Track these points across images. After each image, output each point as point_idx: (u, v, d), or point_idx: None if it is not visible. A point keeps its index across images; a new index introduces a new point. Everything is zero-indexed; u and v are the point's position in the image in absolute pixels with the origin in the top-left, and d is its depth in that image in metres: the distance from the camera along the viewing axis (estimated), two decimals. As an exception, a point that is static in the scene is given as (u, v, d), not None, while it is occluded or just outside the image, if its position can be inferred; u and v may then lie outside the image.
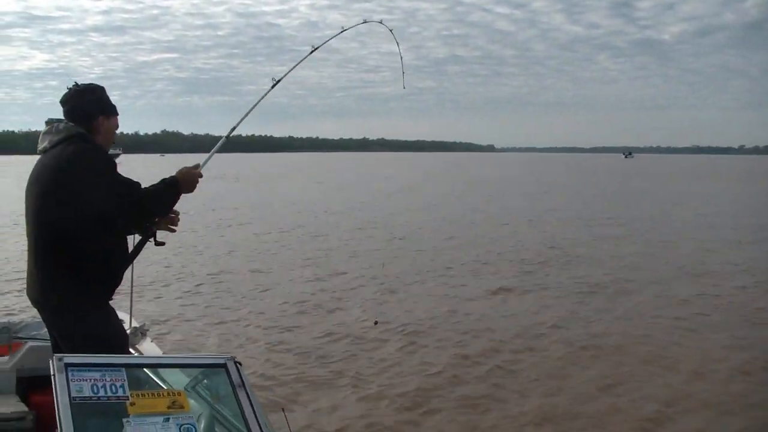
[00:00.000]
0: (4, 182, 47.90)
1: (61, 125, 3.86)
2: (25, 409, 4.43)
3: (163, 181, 3.87)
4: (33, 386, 4.79)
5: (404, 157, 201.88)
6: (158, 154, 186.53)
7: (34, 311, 4.02)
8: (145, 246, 4.04)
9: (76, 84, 4.00)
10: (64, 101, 3.94)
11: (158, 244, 4.07)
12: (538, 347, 9.47)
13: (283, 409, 2.97)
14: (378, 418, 6.94)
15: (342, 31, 5.27)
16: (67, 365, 2.27)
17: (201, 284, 13.64)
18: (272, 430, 2.63)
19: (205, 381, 2.79)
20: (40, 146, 3.89)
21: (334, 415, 6.91)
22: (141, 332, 5.04)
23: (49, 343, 4.20)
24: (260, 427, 2.43)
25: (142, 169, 75.37)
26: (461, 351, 9.21)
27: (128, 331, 4.80)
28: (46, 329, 4.12)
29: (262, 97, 4.93)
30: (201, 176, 4.05)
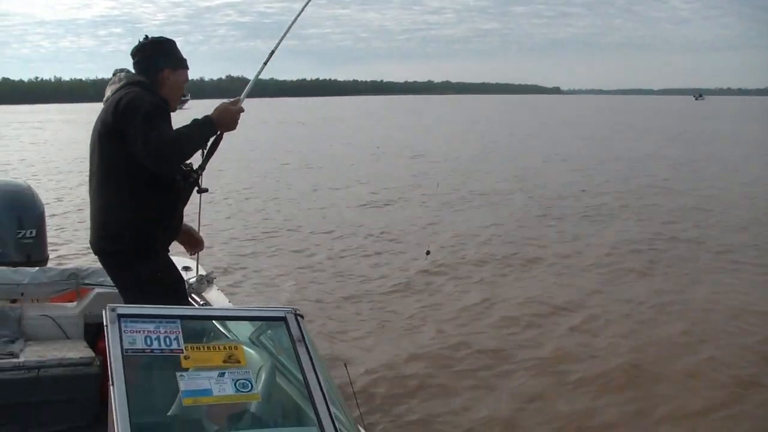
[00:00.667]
0: (75, 129, 48.53)
1: (123, 74, 3.90)
2: (92, 354, 4.44)
3: (195, 121, 3.72)
4: (100, 332, 4.78)
5: (470, 99, 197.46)
6: (225, 100, 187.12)
7: None
8: (201, 195, 3.99)
9: (146, 37, 4.00)
10: (133, 53, 3.96)
11: (201, 191, 3.97)
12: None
13: (345, 365, 2.85)
14: (447, 372, 6.72)
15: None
16: (120, 316, 2.18)
17: (270, 233, 13.26)
18: (333, 385, 2.53)
19: (269, 331, 2.70)
20: (105, 96, 3.92)
21: (398, 369, 6.70)
22: (207, 280, 4.98)
23: (116, 290, 4.20)
24: (319, 383, 2.31)
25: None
26: (545, 300, 8.87)
27: (194, 279, 4.78)
28: None
29: (300, 12, 4.79)
30: (241, 111, 3.86)
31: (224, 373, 2.24)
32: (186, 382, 2.16)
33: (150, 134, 3.50)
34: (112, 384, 2.01)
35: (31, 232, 5.57)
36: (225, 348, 2.32)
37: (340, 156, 28.51)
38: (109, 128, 3.71)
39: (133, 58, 3.95)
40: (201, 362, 2.23)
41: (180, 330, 2.25)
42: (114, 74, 3.96)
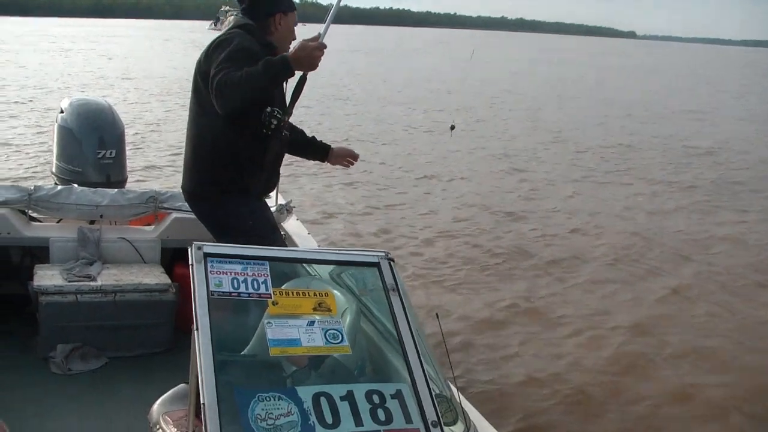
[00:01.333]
0: (151, 43, 48.63)
1: (233, 17, 3.80)
2: (168, 281, 4.43)
3: (268, 60, 3.41)
4: (177, 257, 4.79)
5: (546, 39, 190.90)
6: (300, 24, 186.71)
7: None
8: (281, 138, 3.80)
9: None
10: (239, 1, 3.86)
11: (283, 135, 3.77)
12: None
13: (437, 315, 2.74)
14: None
15: None
16: (207, 255, 2.06)
17: (361, 173, 12.46)
18: (425, 340, 2.42)
19: (354, 271, 2.58)
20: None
21: (493, 324, 6.49)
22: (287, 209, 4.92)
23: (191, 215, 4.16)
24: (413, 337, 2.18)
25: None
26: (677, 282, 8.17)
27: (274, 208, 4.70)
28: None
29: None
30: (321, 47, 3.44)
31: (314, 322, 2.13)
32: (273, 330, 2.04)
33: (218, 74, 3.38)
34: (197, 329, 1.91)
35: (111, 152, 5.53)
36: (315, 294, 2.21)
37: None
38: (200, 68, 3.65)
39: (240, 4, 3.85)
40: (290, 309, 2.11)
41: (268, 273, 2.14)
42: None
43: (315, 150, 4.42)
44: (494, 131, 17.20)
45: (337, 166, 4.63)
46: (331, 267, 2.49)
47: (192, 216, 4.14)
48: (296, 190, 10.20)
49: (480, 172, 12.93)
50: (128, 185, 5.68)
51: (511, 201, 10.83)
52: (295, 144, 4.21)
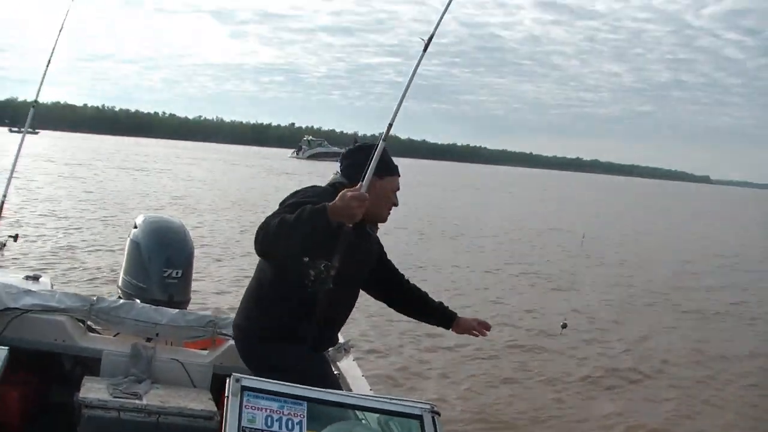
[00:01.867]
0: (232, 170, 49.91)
1: (333, 179, 3.78)
2: (215, 409, 4.31)
3: (306, 207, 3.25)
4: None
5: (618, 181, 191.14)
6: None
7: None
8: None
9: (355, 141, 3.93)
10: (341, 158, 3.86)
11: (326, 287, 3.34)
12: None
13: None
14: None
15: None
16: (244, 388, 2.00)
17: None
18: None
19: (402, 420, 2.41)
20: None
21: None
22: (345, 349, 4.80)
23: None
24: None
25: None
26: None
27: (332, 348, 4.58)
28: None
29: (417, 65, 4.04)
30: (363, 198, 3.22)
31: None
32: None
33: (268, 217, 3.32)
34: None
35: (177, 272, 5.54)
36: None
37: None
38: None
39: (341, 164, 3.81)
40: None
41: (305, 413, 2.06)
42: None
43: (439, 317, 4.25)
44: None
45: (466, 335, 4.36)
46: (379, 414, 2.37)
47: None
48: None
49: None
50: (191, 306, 5.67)
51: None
52: (415, 309, 4.21)
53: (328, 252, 3.26)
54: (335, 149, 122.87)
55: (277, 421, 1.98)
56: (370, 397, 2.31)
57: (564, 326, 4.11)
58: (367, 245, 3.82)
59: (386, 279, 4.13)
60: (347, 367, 4.72)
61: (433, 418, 2.24)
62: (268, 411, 1.99)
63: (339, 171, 3.78)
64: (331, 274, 3.22)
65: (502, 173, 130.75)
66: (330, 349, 4.34)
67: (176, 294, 5.53)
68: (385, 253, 4.12)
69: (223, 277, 13.23)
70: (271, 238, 3.24)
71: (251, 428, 1.95)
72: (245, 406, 1.96)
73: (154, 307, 4.84)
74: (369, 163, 3.45)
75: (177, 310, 4.94)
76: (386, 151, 3.72)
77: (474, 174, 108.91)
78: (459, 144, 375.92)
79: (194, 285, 9.82)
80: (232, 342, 4.63)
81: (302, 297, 3.49)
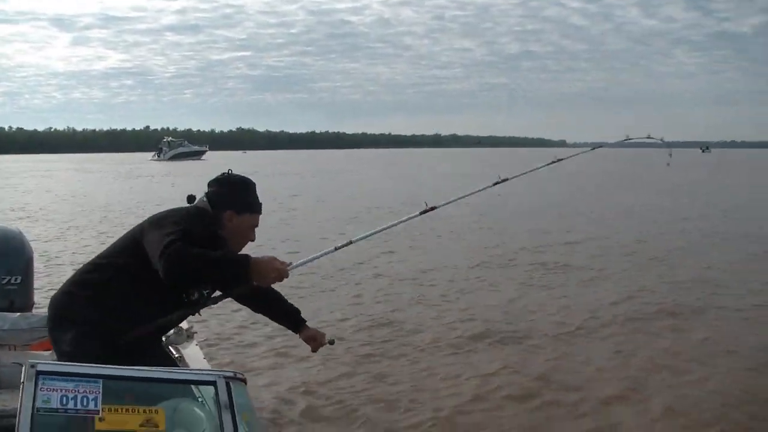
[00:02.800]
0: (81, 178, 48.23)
1: (199, 201, 3.81)
2: None
3: (229, 255, 3.43)
4: None
5: (479, 152, 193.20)
6: (240, 151, 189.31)
7: None
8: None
9: (229, 171, 3.92)
10: (211, 182, 3.85)
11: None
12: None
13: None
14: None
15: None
16: (39, 372, 2.07)
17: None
18: None
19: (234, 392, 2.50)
20: None
21: None
22: (187, 334, 4.82)
23: None
24: None
25: (227, 165, 75.88)
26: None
27: (172, 331, 4.59)
28: None
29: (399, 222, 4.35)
30: (284, 275, 3.37)
31: None
32: None
33: (173, 242, 3.26)
34: None
35: (17, 278, 5.40)
36: (144, 411, 2.18)
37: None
38: (143, 228, 3.60)
39: (210, 187, 3.82)
40: (116, 425, 2.08)
41: (100, 391, 2.11)
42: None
43: (291, 321, 4.32)
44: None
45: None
46: (173, 384, 2.45)
47: None
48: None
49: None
50: (38, 310, 5.56)
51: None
52: (272, 312, 4.30)
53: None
54: (196, 148, 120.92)
55: (72, 399, 2.04)
56: (167, 370, 2.38)
57: (332, 342, 4.27)
58: None
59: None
60: (190, 352, 4.75)
61: (227, 383, 2.32)
62: (63, 391, 2.04)
63: (205, 197, 3.79)
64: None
65: (357, 156, 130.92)
66: (171, 332, 4.39)
67: (17, 300, 5.38)
68: None
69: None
70: (189, 272, 3.28)
71: (46, 408, 2.01)
72: (40, 389, 2.02)
73: (-8, 314, 4.76)
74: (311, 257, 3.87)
75: (18, 314, 4.86)
76: (251, 189, 3.86)
77: (330, 159, 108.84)
78: (318, 131, 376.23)
79: (44, 290, 9.58)
80: None
81: (152, 307, 3.53)
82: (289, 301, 4.34)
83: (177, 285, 3.46)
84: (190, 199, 4.01)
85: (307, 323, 4.25)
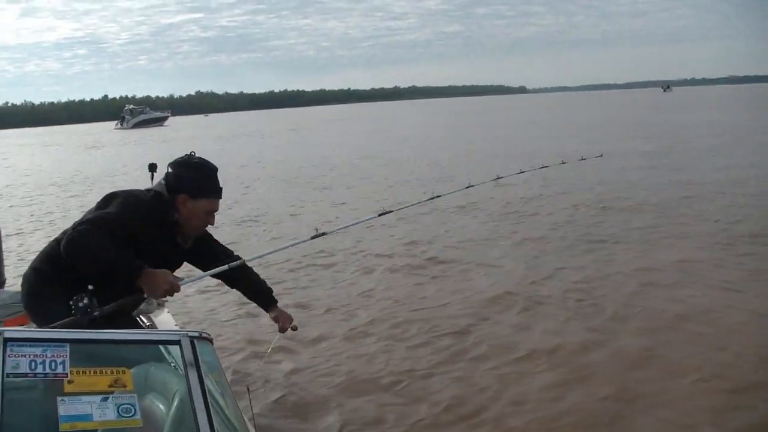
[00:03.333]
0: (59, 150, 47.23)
1: (162, 180, 3.76)
2: None
3: (129, 256, 3.39)
4: None
5: (440, 103, 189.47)
6: (201, 115, 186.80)
7: None
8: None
9: (192, 153, 3.86)
10: (170, 165, 3.79)
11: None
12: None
13: (247, 387, 2.69)
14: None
15: None
16: (7, 339, 2.07)
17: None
18: (230, 413, 2.51)
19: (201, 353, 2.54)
20: None
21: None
22: (159, 303, 4.82)
23: None
24: (207, 411, 2.23)
25: (190, 130, 74.82)
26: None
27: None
28: None
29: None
30: (175, 289, 3.49)
31: (108, 397, 2.14)
32: (66, 407, 2.06)
33: (86, 224, 3.31)
34: None
35: (-14, 256, 5.39)
36: (112, 372, 2.22)
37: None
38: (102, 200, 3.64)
39: (169, 169, 3.77)
40: (85, 387, 2.12)
41: (68, 354, 2.14)
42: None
43: (263, 300, 4.32)
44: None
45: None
46: (140, 345, 2.49)
47: None
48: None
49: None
50: (10, 287, 5.53)
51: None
52: (247, 286, 4.28)
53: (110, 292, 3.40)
54: (158, 114, 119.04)
55: (40, 363, 2.07)
56: (133, 332, 2.43)
57: (294, 329, 4.28)
58: (175, 255, 3.87)
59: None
60: (162, 320, 4.77)
61: (192, 341, 2.36)
62: (32, 356, 2.07)
63: (164, 179, 3.75)
64: (93, 313, 3.26)
65: (318, 113, 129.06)
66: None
67: (-13, 278, 5.39)
68: (212, 250, 4.12)
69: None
70: (84, 257, 3.29)
71: (15, 373, 2.03)
72: (9, 355, 2.04)
73: (-36, 293, 4.74)
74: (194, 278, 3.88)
75: (-10, 291, 4.83)
76: (210, 174, 3.81)
77: (291, 118, 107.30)
78: (277, 90, 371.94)
79: (13, 267, 9.49)
80: None
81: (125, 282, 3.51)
82: (263, 281, 4.32)
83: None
84: (152, 167, 4.01)
85: (277, 304, 4.25)
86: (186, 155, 3.82)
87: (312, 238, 4.36)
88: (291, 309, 5.78)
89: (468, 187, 5.95)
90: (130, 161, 34.52)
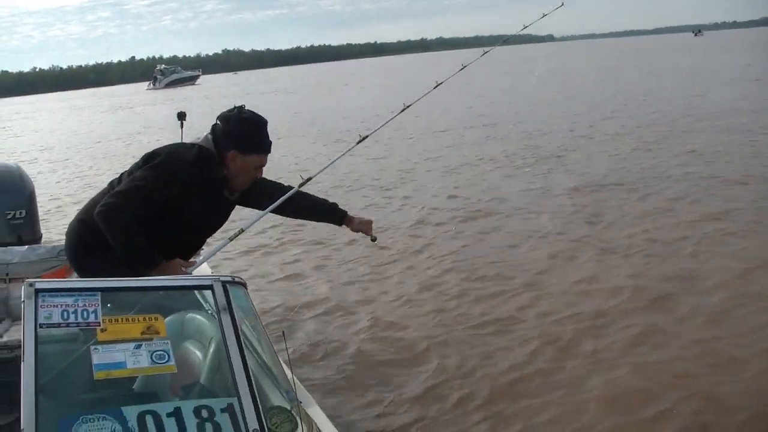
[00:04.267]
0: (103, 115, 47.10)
1: (209, 134, 3.61)
2: None
3: (149, 251, 3.34)
4: None
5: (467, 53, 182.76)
6: (231, 73, 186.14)
7: None
8: None
9: (241, 107, 3.65)
10: (219, 119, 3.64)
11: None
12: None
13: (283, 332, 2.66)
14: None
15: None
16: (38, 291, 2.05)
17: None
18: (267, 357, 2.49)
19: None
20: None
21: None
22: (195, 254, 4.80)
23: None
24: (239, 349, 2.20)
25: (222, 88, 74.34)
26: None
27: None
28: None
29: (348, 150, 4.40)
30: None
31: (141, 345, 2.12)
32: (99, 356, 2.04)
33: (116, 195, 3.31)
34: (23, 360, 1.92)
35: (21, 212, 5.40)
36: (144, 319, 2.18)
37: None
38: (136, 166, 3.53)
39: (219, 123, 3.62)
40: (118, 335, 2.10)
41: (99, 303, 2.12)
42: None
43: (331, 216, 4.15)
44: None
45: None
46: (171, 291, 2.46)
47: None
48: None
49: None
50: (46, 242, 5.55)
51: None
52: (309, 210, 4.16)
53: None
54: (190, 73, 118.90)
55: (73, 313, 2.05)
56: (164, 279, 2.38)
57: (374, 239, 4.13)
58: (222, 207, 3.78)
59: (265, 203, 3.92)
60: (199, 270, 4.74)
61: (224, 286, 2.31)
62: (64, 306, 2.05)
63: (211, 133, 3.62)
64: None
65: (347, 68, 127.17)
66: None
67: (24, 234, 5.41)
68: (261, 189, 3.92)
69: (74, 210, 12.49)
70: (109, 234, 3.28)
71: (48, 324, 2.01)
72: (41, 306, 2.02)
73: (2, 249, 4.77)
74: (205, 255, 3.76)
75: (26, 246, 4.85)
76: (260, 128, 3.65)
77: (321, 73, 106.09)
78: (303, 46, 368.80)
79: (51, 223, 9.53)
80: None
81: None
82: (324, 199, 4.15)
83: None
84: (181, 115, 3.92)
85: (348, 213, 4.02)
86: (235, 108, 3.64)
87: (358, 143, 4.35)
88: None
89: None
90: (170, 118, 34.13)
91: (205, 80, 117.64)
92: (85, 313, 2.06)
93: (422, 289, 6.90)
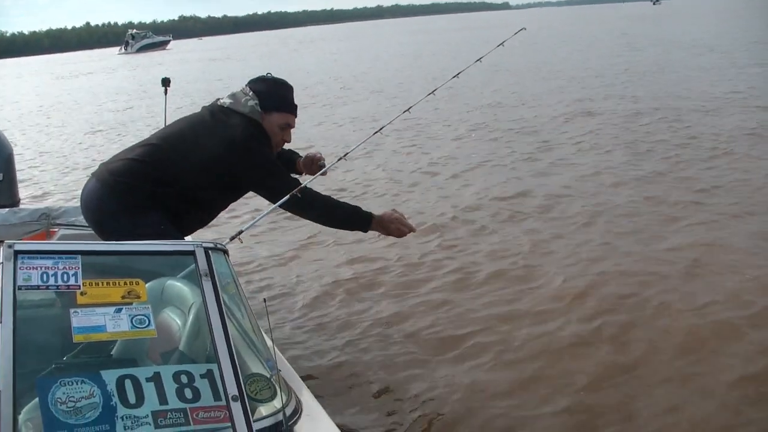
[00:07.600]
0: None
1: (250, 103, 3.50)
2: (53, 296, 4.14)
3: (360, 212, 3.52)
4: None
5: (424, 21, 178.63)
6: (195, 39, 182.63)
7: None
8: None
9: (267, 75, 3.68)
10: (256, 82, 3.62)
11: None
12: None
13: (264, 300, 2.55)
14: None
15: None
16: (17, 252, 1.96)
17: None
18: (247, 319, 2.43)
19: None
20: (223, 101, 3.57)
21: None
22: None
23: (83, 231, 3.88)
24: (221, 319, 2.13)
25: (193, 53, 71.66)
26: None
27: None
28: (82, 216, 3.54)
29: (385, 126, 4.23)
30: (411, 230, 3.59)
31: (121, 309, 2.04)
32: (79, 319, 1.95)
33: (282, 186, 3.33)
34: (1, 321, 1.83)
35: (-1, 175, 5.18)
36: (125, 283, 2.10)
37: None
38: (219, 161, 3.33)
39: (256, 86, 3.58)
40: (98, 298, 2.01)
41: (80, 266, 2.03)
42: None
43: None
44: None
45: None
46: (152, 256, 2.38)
47: (85, 231, 3.83)
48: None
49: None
50: (26, 205, 5.34)
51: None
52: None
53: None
54: (161, 38, 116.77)
55: (53, 275, 1.98)
56: (145, 243, 2.28)
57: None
58: None
59: None
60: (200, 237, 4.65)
61: (206, 251, 2.24)
62: (43, 268, 1.97)
63: (251, 95, 3.52)
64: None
65: (302, 34, 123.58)
66: None
67: (2, 197, 5.17)
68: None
69: (55, 175, 12.10)
70: (326, 217, 3.57)
71: (27, 285, 1.94)
72: (20, 267, 1.94)
73: (-19, 212, 4.58)
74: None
75: (7, 209, 4.68)
76: (282, 89, 3.63)
77: (273, 40, 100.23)
78: (260, 12, 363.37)
79: (33, 187, 9.22)
80: (65, 231, 4.44)
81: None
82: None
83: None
84: (165, 81, 3.86)
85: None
86: (262, 75, 3.67)
87: (401, 113, 4.39)
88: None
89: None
90: (157, 81, 31.80)
91: (174, 45, 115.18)
92: (65, 275, 1.98)
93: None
